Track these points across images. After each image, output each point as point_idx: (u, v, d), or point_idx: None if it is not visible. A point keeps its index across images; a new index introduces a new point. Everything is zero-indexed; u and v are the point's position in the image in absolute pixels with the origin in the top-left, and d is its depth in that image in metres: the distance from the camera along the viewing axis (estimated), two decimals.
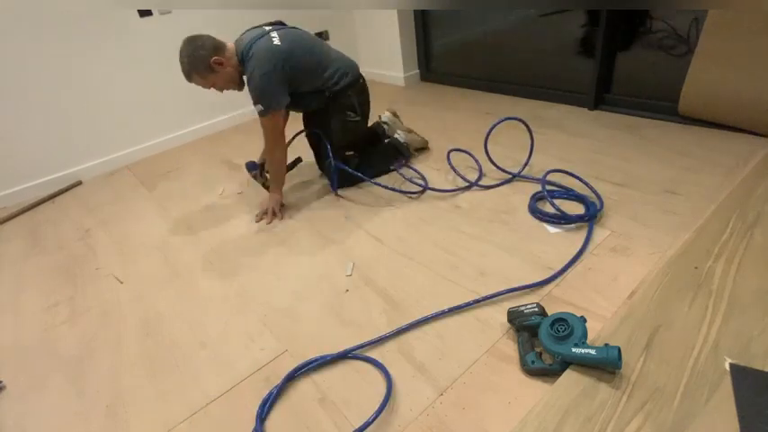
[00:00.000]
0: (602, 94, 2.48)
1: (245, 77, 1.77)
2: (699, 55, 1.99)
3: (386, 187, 1.97)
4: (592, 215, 1.59)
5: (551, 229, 1.61)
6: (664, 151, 1.98)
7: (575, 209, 1.66)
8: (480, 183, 1.94)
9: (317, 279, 1.54)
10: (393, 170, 2.11)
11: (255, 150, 2.24)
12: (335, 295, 1.46)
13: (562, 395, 0.99)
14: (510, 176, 1.93)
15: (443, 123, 2.63)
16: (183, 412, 1.15)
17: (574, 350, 1.02)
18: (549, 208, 1.67)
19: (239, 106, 3.08)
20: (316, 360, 1.21)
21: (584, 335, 1.05)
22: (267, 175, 2.06)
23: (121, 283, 1.69)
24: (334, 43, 3.41)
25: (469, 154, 2.12)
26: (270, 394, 1.14)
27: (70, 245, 1.99)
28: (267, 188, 2.07)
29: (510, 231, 1.63)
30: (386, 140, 2.23)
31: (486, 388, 1.09)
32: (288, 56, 1.73)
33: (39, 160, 2.47)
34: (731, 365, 0.98)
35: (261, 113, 1.75)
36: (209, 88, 1.81)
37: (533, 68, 2.77)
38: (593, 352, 1.00)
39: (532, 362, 1.09)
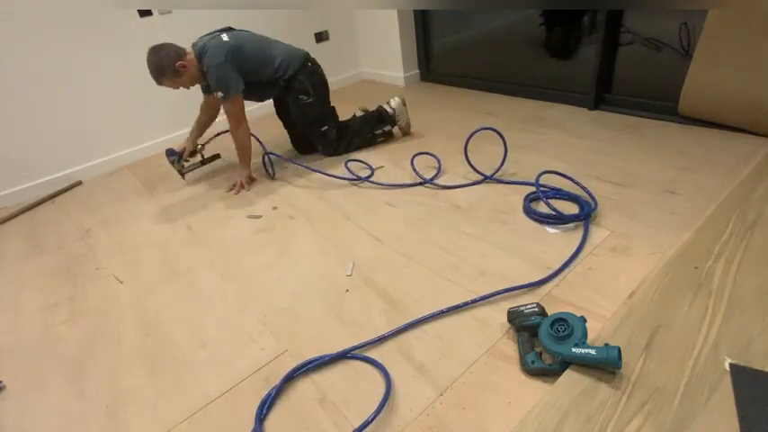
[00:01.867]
0: (602, 94, 2.48)
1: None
2: (699, 55, 1.99)
3: (319, 171, 2.19)
4: (586, 214, 1.59)
5: (550, 229, 1.61)
6: (664, 151, 1.98)
7: (569, 209, 1.66)
8: (435, 181, 2.01)
9: (317, 279, 1.54)
10: (378, 134, 2.39)
11: (254, 150, 2.25)
12: (335, 295, 1.46)
13: (562, 395, 0.99)
14: (482, 178, 1.97)
15: (443, 123, 2.63)
16: (183, 412, 1.15)
17: (574, 350, 1.02)
18: (543, 208, 1.68)
19: None
20: (315, 360, 1.21)
21: (585, 335, 1.05)
22: (185, 164, 2.30)
23: (121, 282, 1.69)
24: (334, 43, 3.42)
25: (432, 155, 2.18)
26: (269, 394, 1.14)
27: (70, 245, 1.99)
28: (182, 175, 2.31)
29: (510, 231, 1.63)
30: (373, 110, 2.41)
31: (486, 388, 1.09)
32: (235, 49, 1.97)
33: (39, 160, 2.47)
34: (731, 365, 0.98)
35: (222, 99, 1.99)
36: (178, 88, 2.05)
37: (533, 68, 2.77)
38: (593, 352, 1.00)
39: (532, 362, 1.09)
